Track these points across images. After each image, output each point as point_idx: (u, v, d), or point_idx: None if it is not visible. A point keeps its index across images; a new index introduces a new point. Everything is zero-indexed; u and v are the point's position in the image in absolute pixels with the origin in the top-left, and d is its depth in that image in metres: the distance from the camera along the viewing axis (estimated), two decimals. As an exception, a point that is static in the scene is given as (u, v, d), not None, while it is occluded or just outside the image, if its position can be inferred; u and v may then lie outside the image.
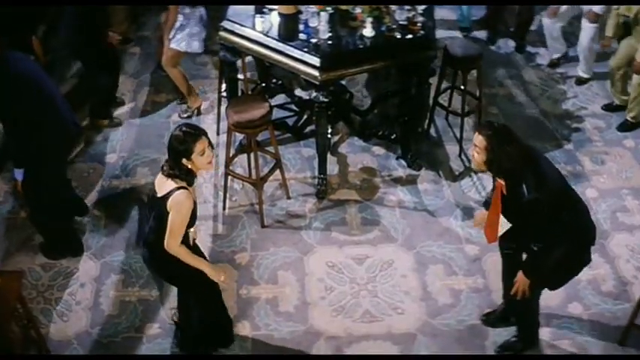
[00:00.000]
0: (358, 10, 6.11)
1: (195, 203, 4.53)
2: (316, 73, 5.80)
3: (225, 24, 6.23)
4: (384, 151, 6.99)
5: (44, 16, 8.24)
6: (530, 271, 4.65)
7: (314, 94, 5.94)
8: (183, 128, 4.39)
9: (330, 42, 5.92)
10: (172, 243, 4.45)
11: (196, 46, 6.91)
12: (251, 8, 6.29)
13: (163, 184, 4.45)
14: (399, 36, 5.99)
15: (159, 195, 4.44)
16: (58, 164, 5.67)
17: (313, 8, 5.99)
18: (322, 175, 6.50)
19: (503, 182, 4.51)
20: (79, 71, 7.76)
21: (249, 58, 7.16)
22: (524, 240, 4.75)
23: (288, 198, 6.51)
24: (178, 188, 4.38)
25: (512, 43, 8.44)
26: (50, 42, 7.63)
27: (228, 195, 6.41)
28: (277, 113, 7.09)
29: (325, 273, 5.84)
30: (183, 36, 6.81)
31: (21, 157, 5.34)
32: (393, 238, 6.13)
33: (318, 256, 5.98)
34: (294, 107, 7.42)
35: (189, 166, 4.40)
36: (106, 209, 6.40)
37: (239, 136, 6.91)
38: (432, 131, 7.22)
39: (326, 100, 5.91)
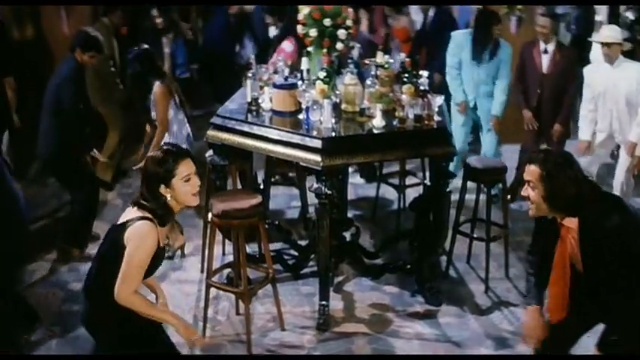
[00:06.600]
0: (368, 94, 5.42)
1: (160, 248, 3.55)
2: (318, 158, 4.95)
3: (215, 120, 5.49)
4: (398, 289, 5.92)
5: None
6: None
7: (315, 185, 5.04)
8: (163, 147, 3.56)
9: (334, 127, 5.17)
10: (124, 289, 3.42)
11: None
12: (243, 107, 5.64)
13: (125, 214, 3.52)
14: (412, 128, 5.25)
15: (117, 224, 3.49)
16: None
17: (315, 95, 5.30)
18: (324, 303, 5.41)
19: (573, 225, 3.54)
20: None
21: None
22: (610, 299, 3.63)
23: (283, 329, 5.37)
24: (142, 218, 3.43)
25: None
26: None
27: (209, 325, 5.31)
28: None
29: (328, 404, 4.61)
30: None
31: None
32: (412, 368, 4.95)
33: (319, 386, 4.79)
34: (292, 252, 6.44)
35: (168, 198, 3.47)
36: (61, 330, 5.31)
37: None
38: (452, 272, 6.20)
39: (329, 192, 5.01)
